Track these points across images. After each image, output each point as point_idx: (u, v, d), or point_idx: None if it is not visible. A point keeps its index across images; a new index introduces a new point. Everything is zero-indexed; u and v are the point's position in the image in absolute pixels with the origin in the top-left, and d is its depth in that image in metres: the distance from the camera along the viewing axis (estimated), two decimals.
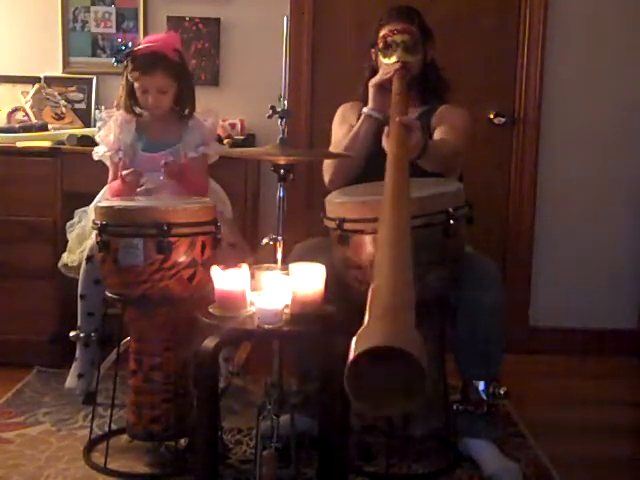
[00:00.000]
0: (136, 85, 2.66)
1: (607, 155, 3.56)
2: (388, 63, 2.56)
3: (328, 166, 2.62)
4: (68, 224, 2.82)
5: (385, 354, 1.24)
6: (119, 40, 3.48)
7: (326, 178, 2.63)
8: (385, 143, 2.12)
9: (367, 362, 1.25)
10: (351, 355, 1.25)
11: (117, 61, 2.67)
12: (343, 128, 2.68)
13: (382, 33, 2.60)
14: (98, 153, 2.75)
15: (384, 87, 2.52)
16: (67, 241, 2.82)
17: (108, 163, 2.73)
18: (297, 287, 1.98)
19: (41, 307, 3.09)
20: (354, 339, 1.28)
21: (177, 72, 2.68)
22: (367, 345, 1.24)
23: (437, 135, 2.54)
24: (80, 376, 2.72)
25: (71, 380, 2.74)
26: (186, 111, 2.74)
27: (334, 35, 3.53)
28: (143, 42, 2.73)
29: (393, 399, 1.30)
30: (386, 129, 2.16)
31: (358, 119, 2.61)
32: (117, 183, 2.65)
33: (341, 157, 2.55)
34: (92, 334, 2.64)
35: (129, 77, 2.66)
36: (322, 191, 2.55)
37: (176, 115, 2.74)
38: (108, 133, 2.72)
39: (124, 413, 2.47)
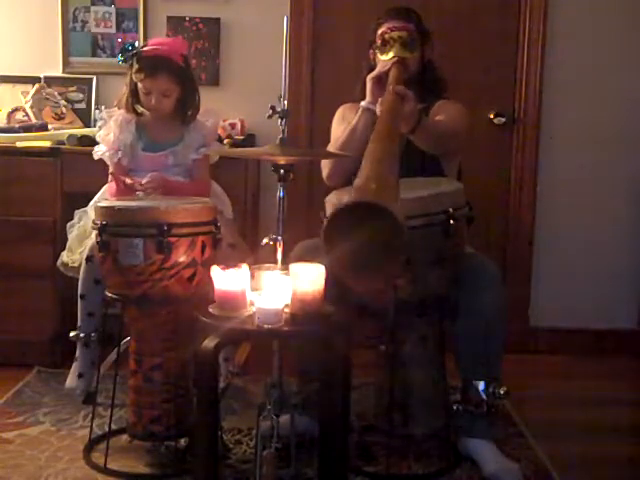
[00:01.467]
0: (140, 86, 2.66)
1: (607, 155, 3.56)
2: (385, 59, 2.56)
3: (326, 161, 2.62)
4: (68, 225, 2.82)
5: (364, 217, 1.22)
6: (119, 40, 3.48)
7: (324, 173, 2.63)
8: (378, 110, 2.11)
9: (347, 231, 1.24)
10: (329, 215, 1.24)
11: (123, 60, 2.67)
12: (342, 127, 2.68)
13: (380, 31, 2.61)
14: (98, 152, 2.75)
15: (381, 81, 2.52)
16: (67, 241, 2.82)
17: (109, 162, 2.73)
18: (297, 287, 1.98)
19: (41, 307, 3.09)
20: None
21: (181, 77, 2.68)
22: (343, 204, 1.23)
23: None
24: (80, 376, 2.71)
25: (71, 380, 2.74)
26: (188, 113, 2.74)
27: (334, 35, 3.53)
28: (150, 44, 2.74)
29: (374, 265, 1.28)
30: (380, 100, 2.15)
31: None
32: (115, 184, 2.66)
33: (340, 157, 2.54)
34: (92, 334, 2.64)
35: (133, 77, 2.66)
36: (322, 191, 2.55)
37: (178, 117, 2.74)
38: (108, 132, 2.73)
39: (124, 413, 2.47)
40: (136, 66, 2.64)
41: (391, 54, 2.56)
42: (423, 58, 2.65)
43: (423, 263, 2.14)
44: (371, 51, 2.67)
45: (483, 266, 2.36)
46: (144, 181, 2.59)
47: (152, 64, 2.63)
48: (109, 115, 2.78)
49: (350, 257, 1.27)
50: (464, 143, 2.60)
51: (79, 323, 2.68)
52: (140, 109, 2.74)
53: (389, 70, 2.49)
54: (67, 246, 2.79)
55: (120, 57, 2.67)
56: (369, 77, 2.57)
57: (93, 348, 2.68)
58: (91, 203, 2.77)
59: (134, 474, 2.29)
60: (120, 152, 2.69)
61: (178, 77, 2.67)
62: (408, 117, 2.16)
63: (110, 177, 2.73)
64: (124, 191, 2.63)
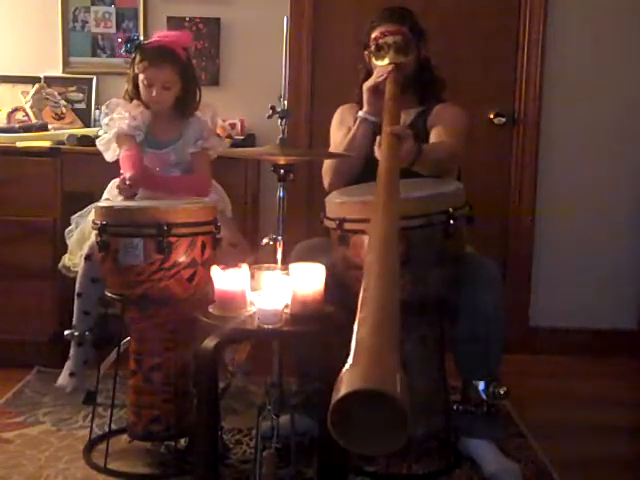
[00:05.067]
0: (141, 77, 2.65)
1: (607, 155, 3.56)
2: (381, 65, 2.56)
3: (327, 169, 2.62)
4: (67, 231, 2.80)
5: (368, 395, 1.25)
6: (119, 40, 3.48)
7: (326, 182, 2.63)
8: (377, 153, 2.12)
9: (351, 402, 1.26)
10: (334, 398, 1.26)
11: (126, 50, 2.67)
12: (341, 131, 2.68)
13: (374, 35, 2.59)
14: (119, 123, 2.65)
15: (378, 90, 2.52)
16: (67, 243, 2.81)
17: (125, 131, 2.63)
18: (297, 287, 1.98)
19: (41, 307, 3.09)
20: (338, 380, 1.29)
21: (183, 70, 2.67)
22: (349, 389, 1.25)
23: (433, 136, 2.54)
24: (72, 375, 2.68)
25: (63, 378, 2.70)
26: (187, 110, 2.73)
27: (334, 35, 3.53)
28: (155, 37, 2.74)
29: (378, 438, 1.31)
30: (378, 139, 2.16)
31: (355, 121, 2.61)
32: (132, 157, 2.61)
33: (341, 157, 2.55)
34: (86, 333, 2.63)
35: (135, 68, 2.65)
36: (322, 191, 2.55)
37: (178, 113, 2.74)
38: (128, 109, 2.67)
39: (124, 413, 2.47)
40: (139, 57, 2.64)
41: (386, 60, 2.55)
42: (419, 58, 2.63)
43: (423, 263, 2.14)
44: (366, 53, 2.67)
45: (483, 266, 2.36)
46: (127, 176, 2.52)
47: (156, 54, 2.63)
48: (112, 108, 2.74)
49: (355, 430, 1.30)
50: (463, 157, 2.58)
51: (74, 322, 2.66)
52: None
53: (385, 79, 2.49)
54: (68, 250, 2.78)
55: (124, 47, 2.66)
56: (365, 86, 2.57)
57: (87, 347, 2.66)
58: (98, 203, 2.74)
59: (134, 474, 2.29)
60: (141, 133, 2.66)
61: (180, 70, 2.66)
62: (407, 155, 2.16)
63: (123, 152, 2.61)
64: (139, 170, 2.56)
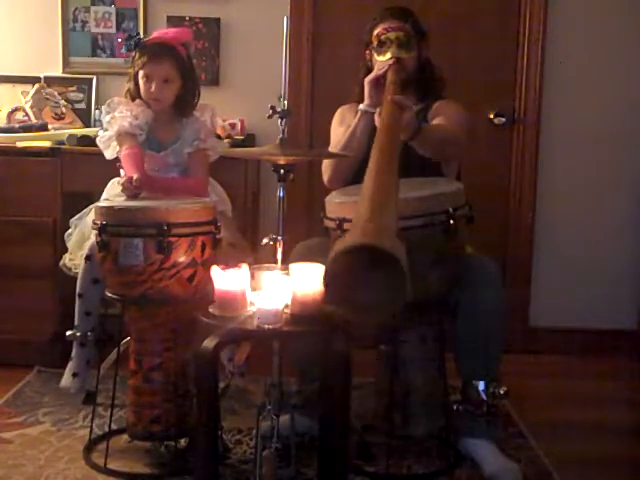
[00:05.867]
0: (141, 74, 2.64)
1: (607, 155, 3.56)
2: (382, 60, 2.56)
3: (327, 165, 2.63)
4: (66, 234, 2.79)
5: (366, 261, 1.23)
6: (119, 40, 3.48)
7: (325, 177, 2.64)
8: (377, 121, 2.12)
9: (348, 272, 1.24)
10: (330, 259, 1.23)
11: (127, 48, 2.67)
12: (342, 129, 2.68)
13: (376, 32, 2.60)
14: (122, 122, 2.63)
15: (379, 83, 2.52)
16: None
17: (128, 130, 2.61)
18: (297, 287, 1.98)
19: (41, 307, 3.09)
20: (334, 246, 1.27)
21: (183, 66, 2.66)
22: (344, 246, 1.23)
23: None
24: (75, 375, 2.67)
25: (66, 379, 2.69)
26: (186, 109, 2.73)
27: (334, 35, 3.53)
28: (154, 34, 2.75)
29: (376, 304, 1.29)
30: (378, 109, 2.17)
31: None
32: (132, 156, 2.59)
33: (340, 157, 2.55)
34: (89, 333, 2.62)
35: (136, 65, 2.65)
36: (322, 191, 2.55)
37: (177, 114, 2.73)
38: (130, 108, 2.65)
39: (124, 413, 2.47)
40: (139, 54, 2.64)
41: (388, 55, 2.56)
42: (420, 57, 2.64)
43: (423, 263, 2.14)
44: (367, 52, 2.67)
45: (483, 266, 2.36)
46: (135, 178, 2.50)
47: (155, 49, 2.63)
48: (113, 107, 2.73)
49: (352, 295, 1.28)
50: (465, 147, 2.59)
51: (76, 322, 2.66)
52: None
53: (386, 72, 2.49)
54: (69, 250, 2.78)
55: (125, 43, 2.66)
56: (367, 80, 2.57)
57: (89, 348, 2.65)
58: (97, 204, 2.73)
59: (134, 474, 2.29)
60: (143, 133, 2.64)
61: (180, 65, 2.65)
62: (407, 126, 2.17)
63: (125, 150, 2.59)
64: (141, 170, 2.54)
